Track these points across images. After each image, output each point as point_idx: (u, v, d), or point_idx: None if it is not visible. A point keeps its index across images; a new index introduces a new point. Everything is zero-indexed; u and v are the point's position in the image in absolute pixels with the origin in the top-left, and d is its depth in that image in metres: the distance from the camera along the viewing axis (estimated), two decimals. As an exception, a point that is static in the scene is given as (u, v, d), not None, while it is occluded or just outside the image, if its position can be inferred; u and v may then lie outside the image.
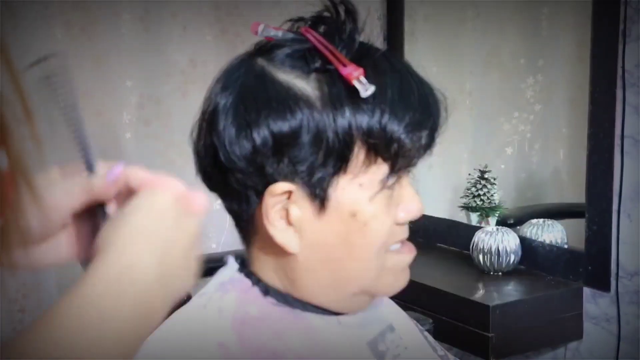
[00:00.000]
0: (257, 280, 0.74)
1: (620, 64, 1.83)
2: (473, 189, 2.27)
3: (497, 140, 2.50)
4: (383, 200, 0.70)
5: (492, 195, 2.26)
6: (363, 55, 0.70)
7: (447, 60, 2.59)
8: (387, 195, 0.71)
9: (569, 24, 2.38)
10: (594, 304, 1.98)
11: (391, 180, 0.70)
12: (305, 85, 0.68)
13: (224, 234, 2.39)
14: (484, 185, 2.26)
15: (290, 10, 2.41)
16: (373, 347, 0.77)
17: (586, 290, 1.98)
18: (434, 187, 2.62)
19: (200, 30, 2.30)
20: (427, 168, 2.60)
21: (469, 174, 2.31)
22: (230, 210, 0.74)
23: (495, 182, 2.28)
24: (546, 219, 2.16)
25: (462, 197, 2.32)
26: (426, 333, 0.88)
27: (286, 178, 0.68)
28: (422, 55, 2.58)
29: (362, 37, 0.72)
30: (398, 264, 0.75)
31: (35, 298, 2.15)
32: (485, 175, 2.27)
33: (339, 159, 0.68)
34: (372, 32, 0.73)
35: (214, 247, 2.39)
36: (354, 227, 0.70)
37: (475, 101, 2.55)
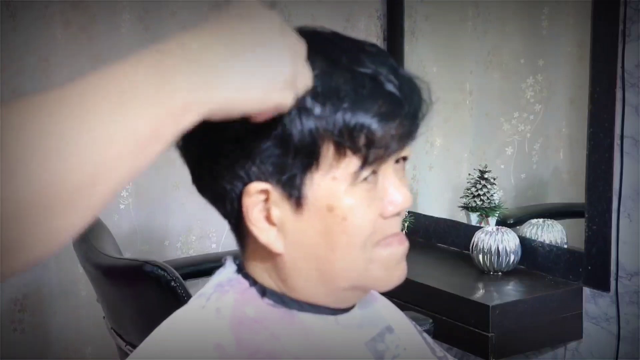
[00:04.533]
0: (254, 282, 0.74)
1: (620, 64, 1.83)
2: (473, 189, 2.27)
3: (497, 140, 2.50)
4: (363, 193, 0.69)
5: (492, 195, 2.25)
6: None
7: (447, 60, 2.59)
8: (368, 188, 0.70)
9: (569, 24, 2.37)
10: (594, 304, 1.98)
11: (365, 172, 0.69)
12: None
13: (224, 234, 2.39)
14: (484, 185, 2.26)
15: (290, 10, 2.42)
16: (371, 347, 0.76)
17: (586, 290, 1.98)
18: (434, 187, 2.62)
19: (200, 30, 2.29)
20: (427, 168, 2.60)
21: (469, 174, 2.31)
22: (222, 214, 0.74)
23: (495, 182, 2.27)
24: (546, 219, 2.16)
25: (462, 197, 2.32)
26: (425, 334, 0.88)
27: (260, 178, 0.69)
28: (422, 55, 2.58)
29: (360, 37, 0.71)
30: (389, 257, 0.73)
31: (35, 298, 2.15)
32: (485, 175, 2.27)
33: (307, 157, 0.67)
34: (372, 32, 0.73)
35: (214, 247, 2.39)
36: (333, 222, 0.69)
37: (475, 101, 2.55)
